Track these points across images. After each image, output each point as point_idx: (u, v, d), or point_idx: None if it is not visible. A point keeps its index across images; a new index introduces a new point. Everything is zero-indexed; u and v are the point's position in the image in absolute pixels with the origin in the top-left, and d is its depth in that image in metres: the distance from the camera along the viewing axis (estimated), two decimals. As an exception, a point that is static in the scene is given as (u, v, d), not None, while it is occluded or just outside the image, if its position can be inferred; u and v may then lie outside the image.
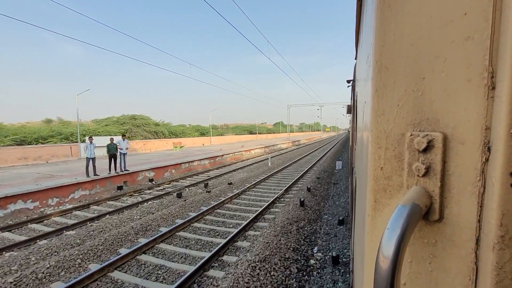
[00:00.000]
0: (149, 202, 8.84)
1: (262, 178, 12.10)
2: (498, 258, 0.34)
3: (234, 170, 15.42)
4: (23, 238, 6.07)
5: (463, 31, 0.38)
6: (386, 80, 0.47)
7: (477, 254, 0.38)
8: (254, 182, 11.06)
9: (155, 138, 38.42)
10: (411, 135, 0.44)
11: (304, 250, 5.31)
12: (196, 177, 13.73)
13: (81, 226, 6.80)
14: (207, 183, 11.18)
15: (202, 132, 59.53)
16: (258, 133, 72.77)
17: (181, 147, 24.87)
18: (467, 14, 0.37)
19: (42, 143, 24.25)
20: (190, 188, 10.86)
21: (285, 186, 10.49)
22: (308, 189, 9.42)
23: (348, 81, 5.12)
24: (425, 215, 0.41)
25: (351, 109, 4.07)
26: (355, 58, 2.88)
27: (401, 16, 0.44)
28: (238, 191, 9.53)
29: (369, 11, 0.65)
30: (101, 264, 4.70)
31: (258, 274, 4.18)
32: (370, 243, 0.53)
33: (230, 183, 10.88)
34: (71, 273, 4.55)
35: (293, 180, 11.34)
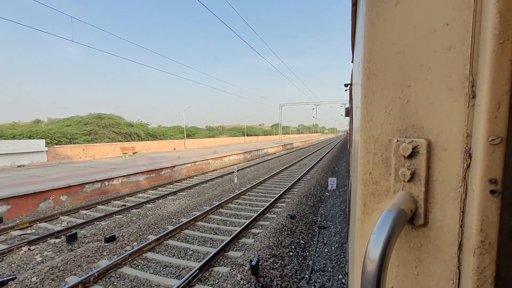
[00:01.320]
0: None
1: (197, 215, 6.87)
2: (479, 263, 0.35)
3: (175, 193, 10.18)
4: None
5: (446, 41, 0.39)
6: (374, 87, 0.47)
7: (460, 259, 0.39)
8: (165, 233, 5.79)
9: (128, 140, 33.16)
10: (397, 141, 0.45)
11: None
12: (103, 207, 8.46)
13: None
14: (76, 232, 5.87)
15: (188, 133, 54.37)
16: (248, 135, 67.14)
17: (134, 153, 19.49)
18: (449, 25, 0.38)
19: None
20: (38, 245, 5.61)
21: (218, 245, 5.26)
22: (254, 271, 4.10)
23: (346, 85, 4.52)
24: (411, 219, 0.42)
25: (349, 112, 3.83)
26: (352, 62, 2.52)
27: (388, 24, 0.45)
28: (98, 270, 4.28)
29: (360, 18, 0.65)
30: None
31: None
32: (359, 246, 0.53)
33: (111, 239, 5.50)
34: None
35: (246, 223, 6.12)
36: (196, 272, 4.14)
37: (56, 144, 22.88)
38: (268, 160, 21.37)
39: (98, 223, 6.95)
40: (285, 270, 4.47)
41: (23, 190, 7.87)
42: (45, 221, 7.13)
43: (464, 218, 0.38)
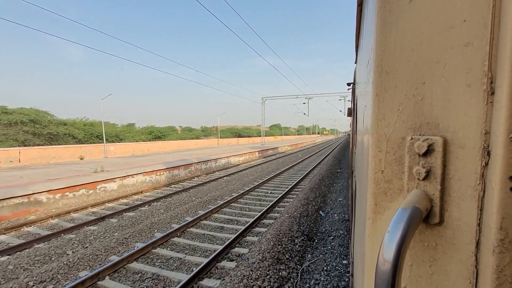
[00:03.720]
0: None
1: None
2: (498, 261, 0.34)
3: None
4: None
5: (463, 37, 0.38)
6: (386, 85, 0.47)
7: (477, 257, 0.38)
8: None
9: (56, 144, 23.73)
10: (411, 139, 0.44)
11: None
12: None
13: None
14: None
15: (157, 135, 44.77)
16: (241, 137, 57.24)
17: None
18: (467, 21, 0.38)
19: None
20: None
21: None
22: None
23: (349, 84, 4.64)
24: (426, 218, 0.41)
25: (352, 112, 3.87)
26: (355, 62, 2.57)
27: (401, 22, 0.44)
28: None
29: (370, 16, 0.64)
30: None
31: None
32: (371, 246, 0.52)
33: None
34: None
35: None
36: None
37: None
38: (210, 181, 12.12)
39: None
40: None
41: None
42: None
43: (482, 216, 0.37)
